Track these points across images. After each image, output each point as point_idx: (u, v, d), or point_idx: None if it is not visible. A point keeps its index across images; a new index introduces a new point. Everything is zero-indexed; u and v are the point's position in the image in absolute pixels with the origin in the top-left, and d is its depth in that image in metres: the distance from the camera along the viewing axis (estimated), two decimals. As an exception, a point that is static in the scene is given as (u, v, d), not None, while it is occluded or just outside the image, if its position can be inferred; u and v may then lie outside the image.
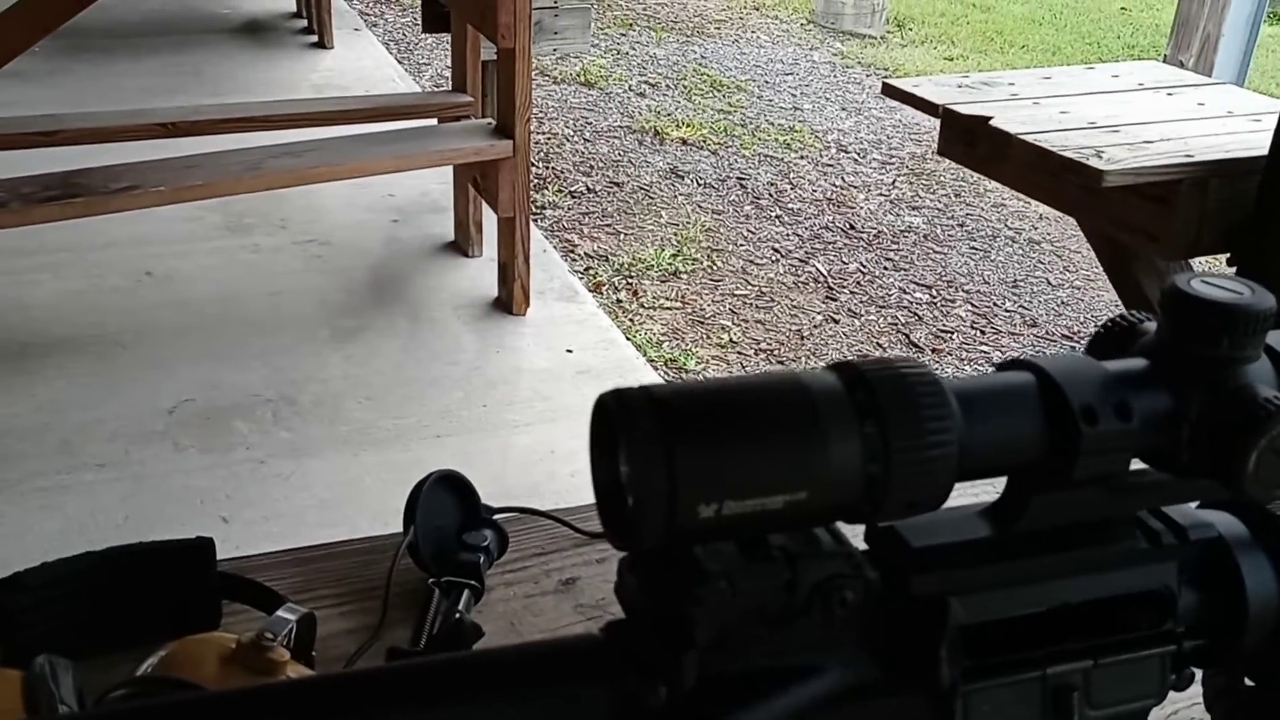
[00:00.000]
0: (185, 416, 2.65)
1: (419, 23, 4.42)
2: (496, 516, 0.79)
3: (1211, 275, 0.43)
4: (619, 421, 0.36)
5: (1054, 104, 1.94)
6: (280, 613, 0.63)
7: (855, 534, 0.42)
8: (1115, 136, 1.77)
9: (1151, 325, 0.44)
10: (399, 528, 0.78)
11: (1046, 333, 3.78)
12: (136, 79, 4.78)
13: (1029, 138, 1.72)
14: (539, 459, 2.60)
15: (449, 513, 0.77)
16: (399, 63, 5.53)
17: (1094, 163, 1.64)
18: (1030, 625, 0.44)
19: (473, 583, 0.74)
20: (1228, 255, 1.72)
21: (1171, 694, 0.46)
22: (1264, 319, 0.41)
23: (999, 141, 1.75)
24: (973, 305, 3.94)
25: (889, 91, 2.00)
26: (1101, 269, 2.27)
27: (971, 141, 1.82)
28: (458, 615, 0.69)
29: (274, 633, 0.60)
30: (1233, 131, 1.87)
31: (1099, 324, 0.46)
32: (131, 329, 3.00)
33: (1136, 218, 1.72)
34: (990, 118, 1.79)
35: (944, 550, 0.42)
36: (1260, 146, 1.66)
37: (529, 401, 2.84)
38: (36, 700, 0.56)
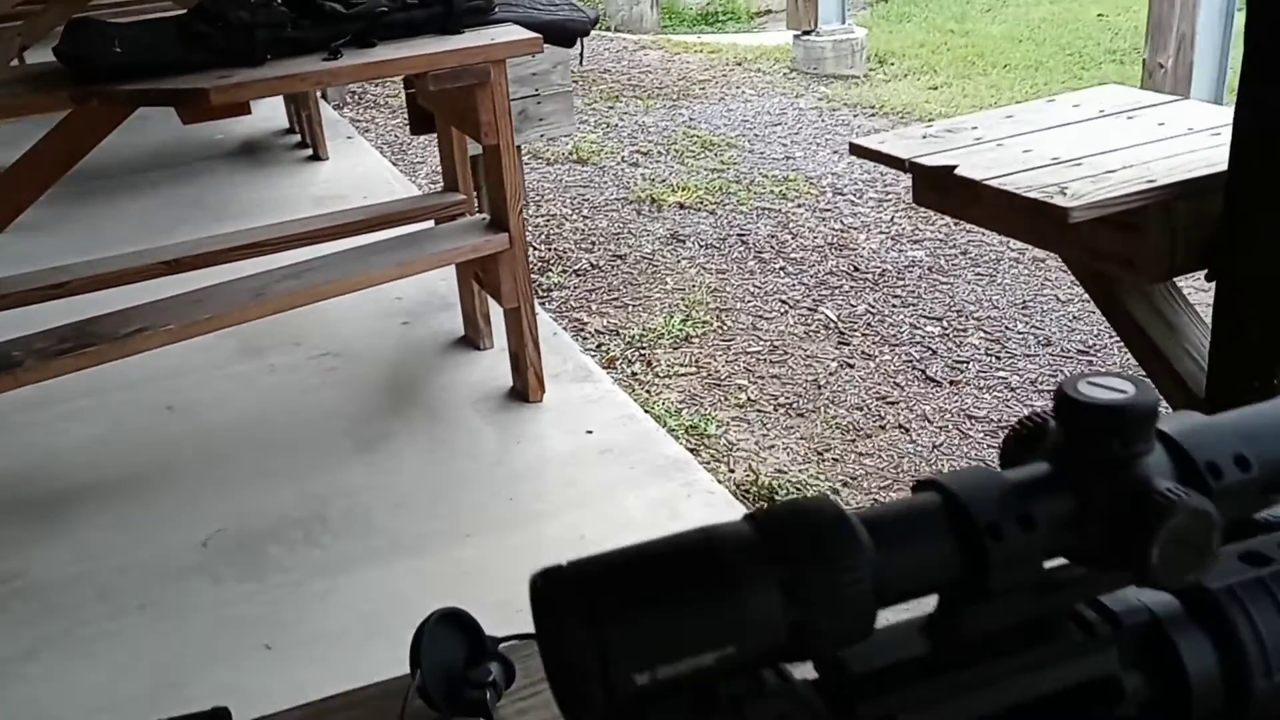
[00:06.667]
0: (219, 547, 2.69)
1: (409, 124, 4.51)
2: (502, 646, 0.82)
3: (1098, 375, 0.45)
4: (547, 607, 0.39)
5: (1017, 143, 1.96)
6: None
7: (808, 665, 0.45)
8: (1078, 170, 1.79)
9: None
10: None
11: (1061, 350, 3.78)
12: (140, 216, 4.88)
13: (994, 182, 1.74)
14: (570, 545, 2.59)
15: (453, 649, 0.80)
16: (394, 164, 5.63)
17: (1059, 200, 1.66)
18: (988, 727, 0.45)
19: None
20: (1205, 271, 1.73)
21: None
22: (1148, 415, 0.43)
23: (968, 188, 1.77)
24: (985, 332, 3.95)
25: (857, 151, 2.03)
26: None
27: (943, 190, 1.84)
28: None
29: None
30: (1193, 149, 1.87)
31: (1009, 427, 0.49)
32: (158, 465, 3.05)
33: (1110, 247, 1.73)
34: (955, 166, 1.82)
35: (885, 673, 0.44)
36: (1221, 161, 1.66)
37: (555, 489, 2.87)
38: None
